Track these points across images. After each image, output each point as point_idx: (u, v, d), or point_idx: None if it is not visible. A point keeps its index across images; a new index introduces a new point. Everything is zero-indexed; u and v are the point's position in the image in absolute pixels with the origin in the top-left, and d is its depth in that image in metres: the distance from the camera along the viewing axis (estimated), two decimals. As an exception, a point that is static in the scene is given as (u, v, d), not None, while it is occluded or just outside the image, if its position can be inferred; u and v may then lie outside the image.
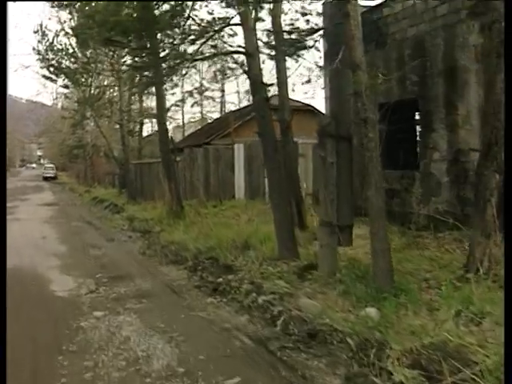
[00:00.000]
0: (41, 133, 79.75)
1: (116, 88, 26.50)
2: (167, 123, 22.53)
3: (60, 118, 44.57)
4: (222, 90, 57.01)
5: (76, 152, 46.27)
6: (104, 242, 13.64)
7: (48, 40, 23.86)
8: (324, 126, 7.95)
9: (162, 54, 10.73)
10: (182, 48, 10.46)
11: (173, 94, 37.09)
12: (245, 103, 55.68)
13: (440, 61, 11.15)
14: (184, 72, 17.61)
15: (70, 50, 23.14)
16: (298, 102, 34.54)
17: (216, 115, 59.61)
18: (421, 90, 11.91)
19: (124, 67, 20.82)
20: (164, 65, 10.97)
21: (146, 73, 12.79)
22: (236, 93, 58.73)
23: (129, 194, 25.05)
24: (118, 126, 26.56)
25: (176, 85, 28.86)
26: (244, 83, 56.49)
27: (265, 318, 6.44)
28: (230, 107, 57.94)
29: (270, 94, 10.55)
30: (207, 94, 56.15)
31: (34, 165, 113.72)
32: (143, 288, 8.55)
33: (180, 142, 40.95)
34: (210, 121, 56.93)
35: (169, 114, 40.23)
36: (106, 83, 28.39)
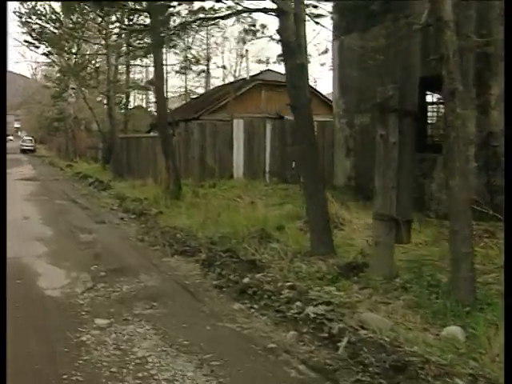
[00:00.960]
0: (19, 104, 77.11)
1: (104, 57, 24.71)
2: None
3: (39, 89, 42.54)
4: (207, 65, 55.33)
5: (56, 125, 44.30)
6: (94, 225, 12.16)
7: (31, 2, 21.98)
8: (386, 99, 6.51)
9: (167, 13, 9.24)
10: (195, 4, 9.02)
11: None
12: (231, 78, 54.23)
13: (472, 34, 9.84)
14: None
15: (55, 15, 21.29)
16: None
17: (200, 90, 57.93)
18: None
19: (117, 31, 19.05)
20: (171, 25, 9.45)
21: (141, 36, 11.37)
22: (222, 67, 56.89)
23: (115, 170, 23.48)
24: (101, 98, 24.77)
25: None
26: (229, 58, 54.93)
27: (319, 336, 5.05)
28: (214, 82, 56.36)
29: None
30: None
31: (11, 137, 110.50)
32: (150, 286, 7.14)
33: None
34: (193, 96, 55.33)
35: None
36: (92, 51, 26.54)
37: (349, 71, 16.71)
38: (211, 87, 55.28)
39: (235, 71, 56.73)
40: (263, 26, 12.56)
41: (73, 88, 29.56)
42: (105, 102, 49.26)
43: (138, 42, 15.96)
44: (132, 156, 24.20)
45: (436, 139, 15.89)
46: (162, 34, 11.08)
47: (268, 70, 33.91)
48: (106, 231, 11.37)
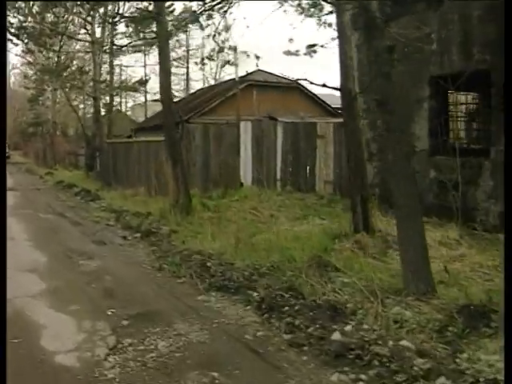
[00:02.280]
0: (-10, 109, 73.97)
1: (88, 55, 22.64)
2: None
3: (13, 94, 40.10)
4: (187, 67, 53.38)
5: (32, 130, 41.86)
6: (93, 247, 10.17)
7: (6, -6, 19.80)
8: None
9: None
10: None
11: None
12: (211, 82, 52.34)
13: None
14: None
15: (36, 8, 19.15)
16: (284, 78, 31.44)
17: (180, 94, 56.03)
18: (496, 60, 9.26)
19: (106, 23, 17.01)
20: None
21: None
22: (201, 69, 54.96)
23: (103, 179, 21.44)
24: (77, 102, 22.64)
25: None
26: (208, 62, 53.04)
27: None
28: (194, 85, 54.54)
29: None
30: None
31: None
32: (196, 341, 5.23)
33: (146, 120, 37.31)
34: (176, 99, 53.28)
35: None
36: (76, 48, 24.45)
37: (363, 68, 15.01)
38: (191, 90, 53.58)
39: (216, 73, 55.06)
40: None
41: (55, 89, 27.28)
42: (81, 106, 47.22)
43: (141, 33, 13.95)
44: (120, 163, 22.13)
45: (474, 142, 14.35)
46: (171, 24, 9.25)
47: (259, 70, 32.20)
48: (109, 255, 9.38)
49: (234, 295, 6.54)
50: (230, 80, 32.65)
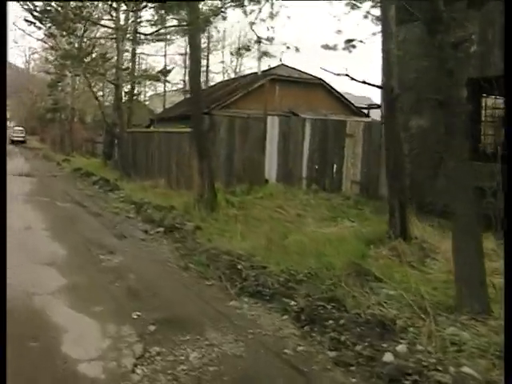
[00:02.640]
0: (8, 94, 73.94)
1: (111, 42, 22.22)
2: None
3: (31, 79, 39.82)
4: (207, 59, 52.81)
5: (50, 116, 41.55)
6: (113, 240, 9.76)
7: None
8: None
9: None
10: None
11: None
12: (231, 75, 51.76)
13: None
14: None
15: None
16: (306, 74, 30.94)
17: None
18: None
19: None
20: None
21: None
22: (221, 62, 54.42)
23: (122, 169, 21.02)
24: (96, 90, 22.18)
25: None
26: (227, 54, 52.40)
27: None
28: (213, 77, 54.07)
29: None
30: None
31: None
32: (230, 354, 4.79)
33: (165, 111, 36.88)
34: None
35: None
36: (97, 34, 24.02)
37: (402, 66, 14.48)
38: (211, 83, 53.08)
39: (236, 67, 54.51)
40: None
41: (76, 75, 26.85)
42: (100, 93, 46.85)
43: (170, 19, 13.46)
44: (140, 153, 21.71)
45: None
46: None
47: (282, 64, 31.70)
48: (131, 250, 8.95)
49: (269, 303, 6.07)
50: (252, 74, 32.20)
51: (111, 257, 8.37)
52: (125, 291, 6.59)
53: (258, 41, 10.88)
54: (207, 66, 53.56)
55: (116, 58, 21.34)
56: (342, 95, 31.52)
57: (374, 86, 9.07)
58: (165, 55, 45.50)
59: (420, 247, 8.49)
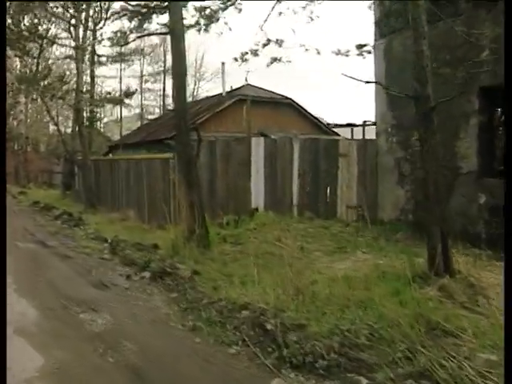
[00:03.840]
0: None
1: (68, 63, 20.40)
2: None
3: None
4: (164, 82, 51.46)
5: (1, 145, 39.07)
6: (92, 291, 8.04)
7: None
8: None
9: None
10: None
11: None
12: (189, 98, 50.26)
13: None
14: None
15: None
16: (275, 93, 29.74)
17: (156, 110, 54.15)
18: None
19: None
20: None
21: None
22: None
23: (86, 200, 19.16)
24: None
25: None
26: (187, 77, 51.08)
27: None
28: (170, 101, 52.68)
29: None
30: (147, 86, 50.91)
31: None
32: None
33: (125, 137, 35.19)
34: (150, 116, 51.22)
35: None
36: (55, 55, 22.15)
37: (401, 77, 13.22)
38: (169, 107, 51.52)
39: (193, 90, 53.19)
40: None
41: (33, 99, 24.83)
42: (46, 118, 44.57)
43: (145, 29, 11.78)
44: (105, 182, 19.93)
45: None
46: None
47: (248, 84, 30.58)
48: (117, 305, 7.25)
49: (328, 380, 4.48)
50: (217, 95, 30.81)
51: (94, 316, 6.68)
52: (124, 371, 4.92)
53: (266, 43, 9.39)
54: (163, 90, 52.15)
55: (75, 80, 19.52)
56: (311, 114, 30.47)
57: (405, 95, 7.69)
58: (120, 78, 44.00)
59: (468, 283, 7.12)
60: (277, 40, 9.67)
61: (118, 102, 26.18)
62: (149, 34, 10.33)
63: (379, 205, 13.59)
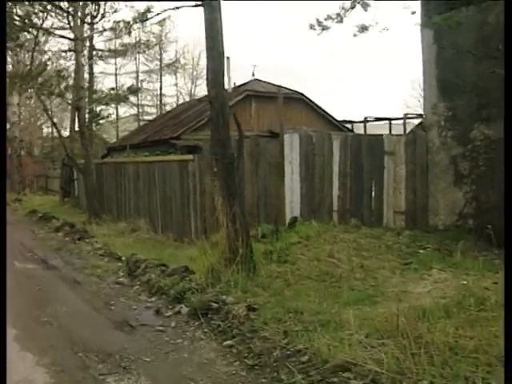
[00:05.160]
0: None
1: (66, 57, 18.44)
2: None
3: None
4: (160, 82, 49.46)
5: (-8, 150, 37.00)
6: (117, 336, 6.18)
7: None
8: None
9: None
10: None
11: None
12: (186, 97, 48.37)
13: None
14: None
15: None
16: (284, 88, 27.74)
17: (152, 110, 52.18)
18: None
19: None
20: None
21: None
22: (174, 85, 51.10)
23: (89, 208, 17.20)
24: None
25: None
26: (184, 76, 49.23)
27: None
28: (167, 100, 50.88)
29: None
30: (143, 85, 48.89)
31: None
32: None
33: (125, 138, 33.37)
34: (146, 116, 49.19)
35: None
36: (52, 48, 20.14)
37: (456, 62, 11.45)
38: (166, 106, 49.55)
39: (191, 89, 51.28)
40: None
41: (27, 97, 22.82)
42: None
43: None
44: (110, 188, 17.98)
45: None
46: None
47: (255, 79, 28.79)
48: (157, 361, 5.34)
49: None
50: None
51: (128, 381, 4.76)
52: None
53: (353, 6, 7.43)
54: (160, 89, 50.10)
55: (74, 76, 17.53)
56: (324, 110, 28.66)
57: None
58: (115, 76, 42.02)
59: None
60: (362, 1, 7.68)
61: (122, 99, 24.11)
62: (177, 8, 8.34)
63: (431, 209, 11.79)
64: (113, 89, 24.15)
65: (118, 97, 21.50)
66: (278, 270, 8.22)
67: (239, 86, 28.23)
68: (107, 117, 23.28)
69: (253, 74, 30.08)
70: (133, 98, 40.45)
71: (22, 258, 11.22)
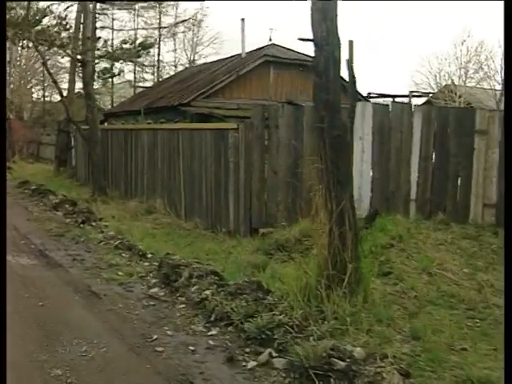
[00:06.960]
0: None
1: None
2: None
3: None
4: (158, 48, 46.35)
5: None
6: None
7: None
8: None
9: None
10: None
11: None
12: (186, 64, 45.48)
13: None
14: None
15: None
16: (303, 54, 25.09)
17: (149, 76, 48.94)
18: None
19: None
20: None
21: None
22: (173, 51, 47.88)
23: (95, 183, 14.64)
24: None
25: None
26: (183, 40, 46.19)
27: None
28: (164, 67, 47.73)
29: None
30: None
31: None
32: None
33: (124, 104, 30.88)
34: (142, 83, 46.28)
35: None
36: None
37: None
38: (164, 73, 46.50)
39: (190, 55, 48.25)
40: None
41: (23, 47, 19.96)
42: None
43: None
44: (117, 160, 15.39)
45: None
46: None
47: (272, 44, 26.20)
48: None
49: None
50: (234, 56, 26.37)
51: None
52: None
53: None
54: (158, 55, 46.96)
55: (82, 24, 14.76)
56: (344, 79, 25.93)
57: None
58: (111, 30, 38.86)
59: None
60: None
61: (134, 55, 21.26)
62: None
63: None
64: (125, 42, 21.21)
65: (128, 53, 18.68)
66: (383, 288, 5.75)
67: (254, 51, 25.67)
68: (119, 74, 20.42)
69: (270, 39, 27.49)
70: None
71: (15, 249, 8.67)
